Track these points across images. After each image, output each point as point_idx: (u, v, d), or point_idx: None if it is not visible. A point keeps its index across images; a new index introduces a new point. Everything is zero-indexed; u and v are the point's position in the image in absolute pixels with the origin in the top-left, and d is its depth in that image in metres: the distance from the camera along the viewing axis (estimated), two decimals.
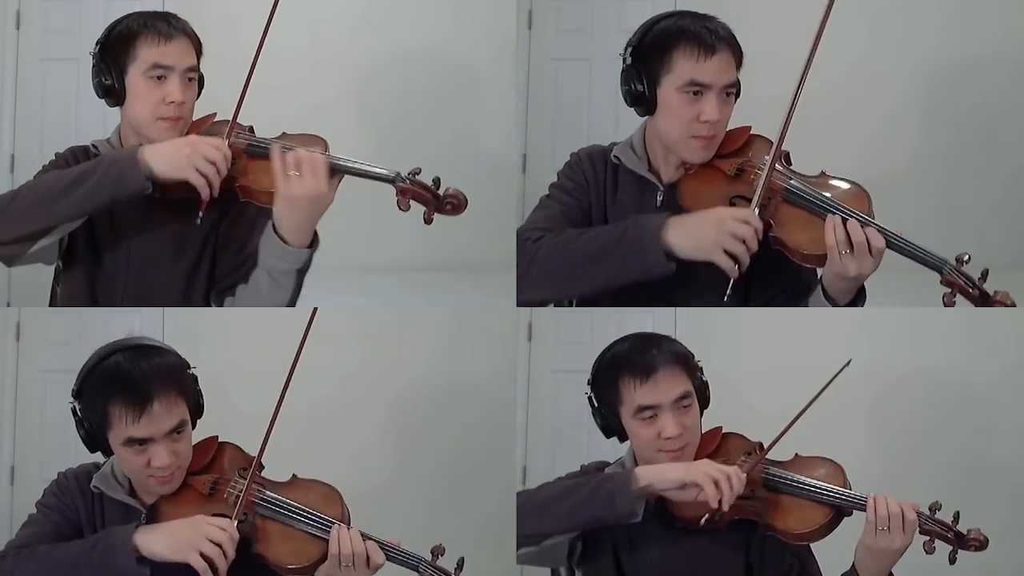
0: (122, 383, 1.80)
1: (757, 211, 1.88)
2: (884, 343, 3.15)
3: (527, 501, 1.90)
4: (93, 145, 2.07)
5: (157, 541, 1.74)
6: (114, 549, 1.74)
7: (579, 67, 3.75)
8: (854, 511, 1.87)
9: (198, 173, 1.89)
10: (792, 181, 1.92)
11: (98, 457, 1.95)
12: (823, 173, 1.94)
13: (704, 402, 1.97)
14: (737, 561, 1.94)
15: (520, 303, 1.98)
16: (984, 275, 1.87)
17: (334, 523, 1.80)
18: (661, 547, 1.93)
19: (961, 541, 1.85)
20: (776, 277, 2.00)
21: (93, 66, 2.03)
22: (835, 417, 3.04)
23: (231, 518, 1.78)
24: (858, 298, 1.93)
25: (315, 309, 1.88)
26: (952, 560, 1.86)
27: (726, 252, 1.85)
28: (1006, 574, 2.90)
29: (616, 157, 2.05)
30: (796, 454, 1.96)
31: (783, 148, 1.93)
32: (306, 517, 1.81)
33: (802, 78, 1.90)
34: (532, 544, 1.89)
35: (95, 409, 1.82)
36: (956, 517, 1.86)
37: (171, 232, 2.06)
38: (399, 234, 3.61)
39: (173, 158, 1.91)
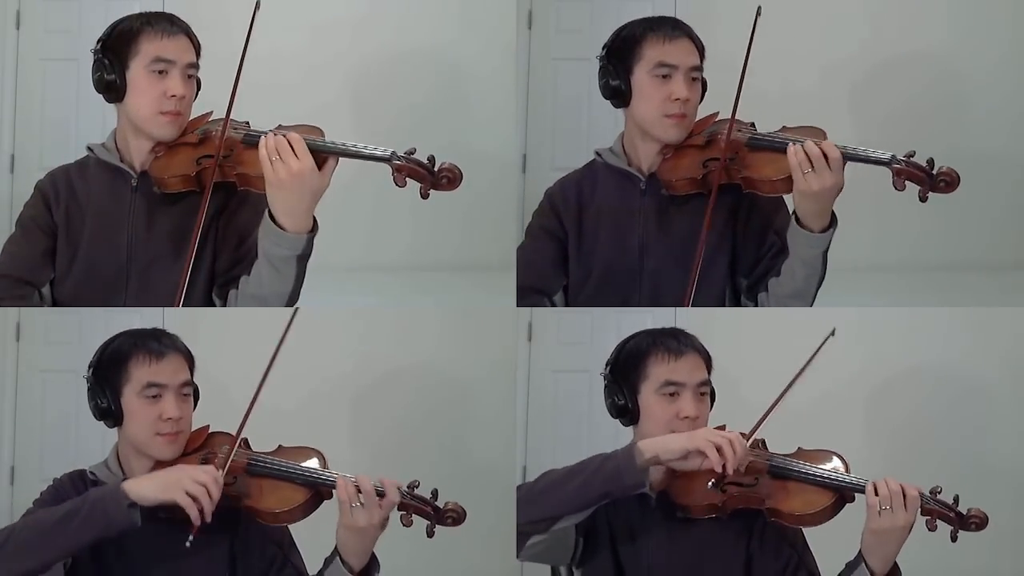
0: (142, 341, 1.95)
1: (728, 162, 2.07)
2: (883, 342, 3.15)
3: (532, 489, 1.93)
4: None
5: (145, 485, 1.82)
6: (104, 499, 1.80)
7: (579, 67, 3.74)
8: (856, 496, 1.90)
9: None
10: (752, 131, 2.11)
11: (93, 460, 2.00)
12: (783, 127, 2.09)
13: (711, 402, 2.03)
14: (738, 551, 1.96)
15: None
16: (931, 163, 1.99)
17: (331, 476, 1.88)
18: (662, 539, 1.96)
19: (962, 520, 1.88)
20: (759, 237, 2.13)
21: (94, 62, 2.06)
22: (835, 414, 3.06)
23: (225, 465, 1.88)
24: (831, 224, 2.03)
25: (296, 309, 1.97)
26: (954, 538, 1.88)
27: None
28: (1006, 572, 2.90)
29: (598, 154, 2.22)
30: (799, 448, 1.98)
31: (749, 120, 2.12)
32: (291, 468, 1.91)
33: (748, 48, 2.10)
34: (542, 531, 1.91)
35: (115, 369, 1.93)
36: (956, 500, 1.89)
37: (171, 231, 2.07)
38: (399, 234, 3.63)
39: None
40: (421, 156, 1.97)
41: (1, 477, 3.49)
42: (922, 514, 1.86)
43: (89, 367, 1.96)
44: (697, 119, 2.16)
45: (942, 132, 3.63)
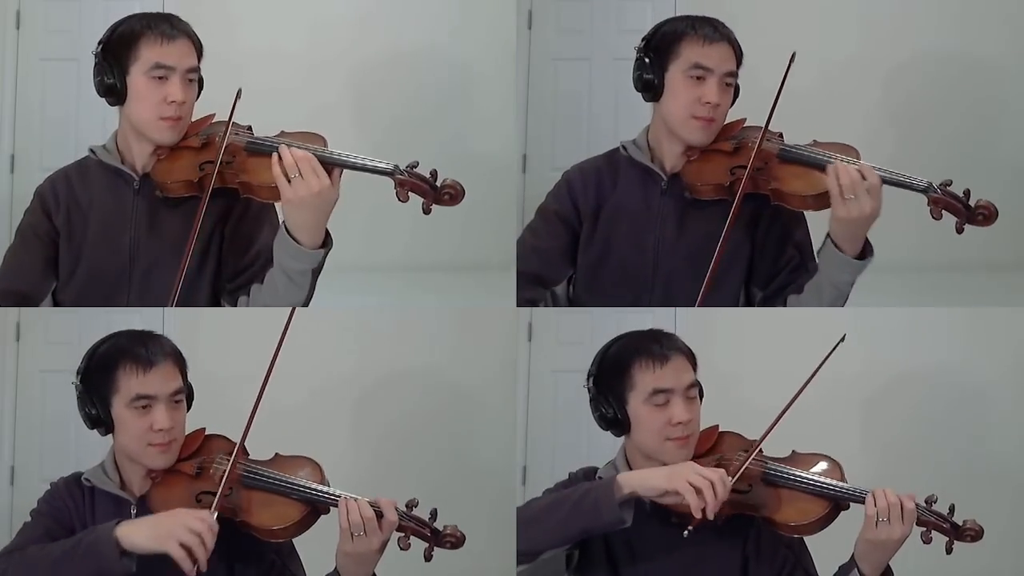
0: (131, 349, 1.89)
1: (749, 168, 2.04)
2: (882, 342, 3.15)
3: (517, 519, 1.91)
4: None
5: (137, 533, 1.77)
6: (97, 544, 1.76)
7: (579, 67, 3.76)
8: (851, 504, 1.89)
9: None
10: (782, 143, 2.09)
11: (93, 460, 1.99)
12: (814, 141, 2.08)
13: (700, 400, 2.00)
14: (734, 555, 1.95)
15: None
16: (967, 194, 1.99)
17: (330, 495, 1.85)
18: (657, 545, 1.95)
19: (957, 532, 1.88)
20: (777, 249, 2.12)
21: (95, 65, 2.05)
22: (832, 416, 3.06)
23: (217, 493, 1.83)
24: (866, 250, 2.02)
25: (293, 310, 1.94)
26: (948, 550, 1.88)
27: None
28: (1006, 574, 2.90)
29: (623, 147, 2.19)
30: (793, 451, 1.97)
31: (777, 130, 2.10)
32: (289, 482, 1.87)
33: (790, 62, 2.08)
34: (527, 561, 1.91)
35: (103, 378, 1.88)
36: (952, 509, 1.89)
37: (173, 234, 2.07)
38: (399, 234, 3.63)
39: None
40: (424, 167, 1.96)
41: (1, 477, 3.49)
42: (917, 525, 1.86)
43: (77, 373, 1.92)
44: (725, 123, 2.13)
45: (944, 131, 3.63)
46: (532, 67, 3.76)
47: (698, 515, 1.82)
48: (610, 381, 1.96)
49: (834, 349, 1.96)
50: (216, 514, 1.81)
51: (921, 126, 3.63)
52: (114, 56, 2.03)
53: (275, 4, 3.68)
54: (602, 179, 2.19)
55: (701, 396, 1.99)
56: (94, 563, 1.76)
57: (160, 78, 2.01)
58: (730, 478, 1.86)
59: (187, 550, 1.74)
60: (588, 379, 2.00)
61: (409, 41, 3.70)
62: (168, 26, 2.03)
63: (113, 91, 2.04)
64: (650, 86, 2.12)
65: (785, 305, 2.10)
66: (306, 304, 2.05)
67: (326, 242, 1.99)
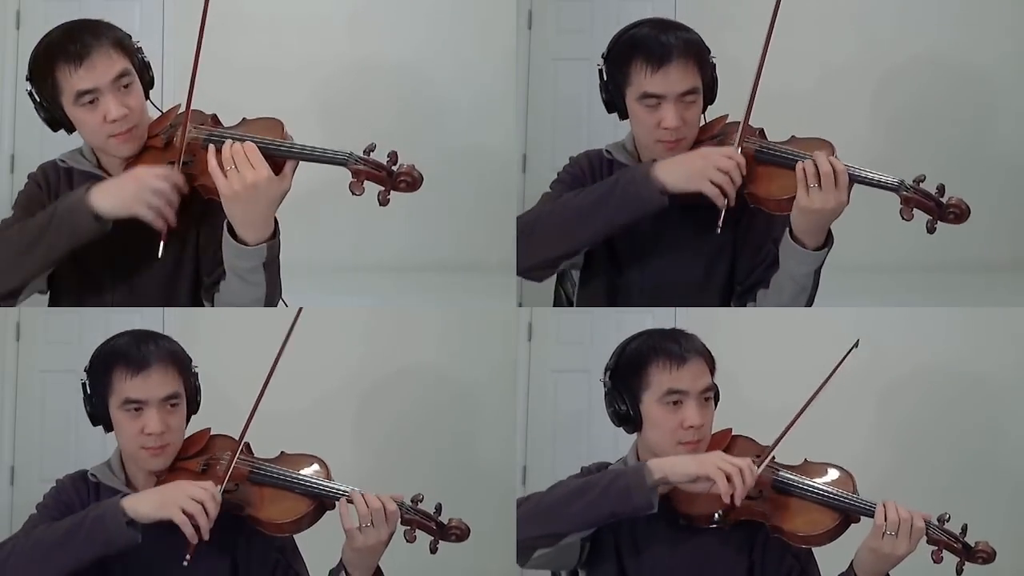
0: (125, 350, 1.90)
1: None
2: (887, 342, 3.15)
3: (540, 502, 1.91)
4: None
5: (142, 502, 1.80)
6: (103, 516, 1.79)
7: (579, 67, 3.74)
8: (861, 518, 1.87)
9: (147, 207, 1.79)
10: (761, 142, 2.02)
11: (93, 460, 1.99)
12: (793, 137, 2.02)
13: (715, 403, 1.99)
14: (740, 561, 1.94)
15: (522, 271, 2.08)
16: (941, 189, 1.93)
17: (336, 489, 1.85)
18: (665, 547, 1.94)
19: (969, 553, 1.86)
20: (756, 245, 2.08)
21: (33, 103, 1.99)
22: (840, 416, 3.05)
23: (220, 485, 1.85)
24: (827, 242, 1.97)
25: (300, 309, 1.92)
26: (959, 571, 1.86)
27: (712, 183, 1.95)
28: (1007, 573, 2.90)
29: (608, 151, 2.15)
30: (805, 459, 1.96)
31: (758, 126, 2.03)
32: (296, 478, 1.89)
33: (764, 50, 2.01)
34: (549, 545, 1.90)
35: (101, 378, 1.90)
36: (964, 529, 1.87)
37: (153, 235, 2.01)
38: (398, 234, 3.63)
39: (125, 199, 1.84)
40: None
41: (1, 477, 3.49)
42: (928, 543, 1.84)
43: (85, 369, 1.93)
44: (708, 120, 2.08)
45: (941, 132, 3.63)
46: (532, 67, 3.75)
47: (727, 500, 1.82)
48: (626, 377, 1.95)
49: (847, 355, 1.94)
50: (221, 489, 1.83)
51: (917, 129, 3.63)
52: (39, 90, 1.96)
53: (273, 5, 3.68)
54: (603, 172, 2.15)
55: (716, 400, 1.98)
56: (100, 534, 1.78)
57: (90, 102, 1.93)
58: (756, 467, 1.86)
59: (189, 517, 1.78)
60: (605, 373, 1.99)
61: (407, 41, 3.70)
62: (75, 44, 1.91)
63: (57, 123, 1.99)
64: (613, 108, 2.08)
65: (755, 301, 2.07)
66: (272, 299, 1.99)
67: (273, 235, 1.91)
